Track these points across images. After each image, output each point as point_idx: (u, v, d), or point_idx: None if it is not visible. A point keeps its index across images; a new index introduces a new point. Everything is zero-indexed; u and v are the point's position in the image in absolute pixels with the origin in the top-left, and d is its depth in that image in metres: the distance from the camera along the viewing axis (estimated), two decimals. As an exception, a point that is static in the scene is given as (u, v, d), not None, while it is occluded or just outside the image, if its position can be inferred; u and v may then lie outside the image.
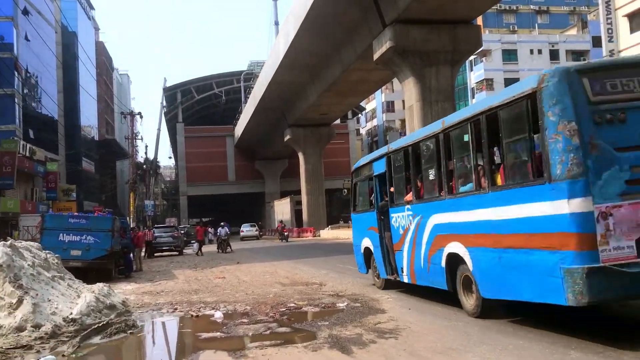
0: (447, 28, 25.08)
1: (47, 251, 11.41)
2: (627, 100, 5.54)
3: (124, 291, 13.26)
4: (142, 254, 25.37)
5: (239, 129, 63.02)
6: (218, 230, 29.63)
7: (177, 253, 29.46)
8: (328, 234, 43.58)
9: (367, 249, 11.46)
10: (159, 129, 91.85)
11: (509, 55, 57.51)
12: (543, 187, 5.65)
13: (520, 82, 6.31)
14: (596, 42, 58.80)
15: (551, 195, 5.53)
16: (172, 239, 28.75)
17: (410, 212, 9.13)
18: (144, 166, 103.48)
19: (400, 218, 9.57)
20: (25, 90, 50.46)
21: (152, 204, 58.98)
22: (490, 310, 7.16)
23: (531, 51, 57.70)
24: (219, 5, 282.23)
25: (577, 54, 59.31)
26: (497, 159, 7.00)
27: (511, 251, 6.29)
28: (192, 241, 40.51)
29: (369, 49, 27.85)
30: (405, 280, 9.56)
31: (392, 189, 9.95)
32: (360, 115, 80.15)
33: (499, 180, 6.66)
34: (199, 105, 73.17)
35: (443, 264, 7.92)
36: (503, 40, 57.60)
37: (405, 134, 72.16)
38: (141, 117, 43.58)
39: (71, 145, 62.51)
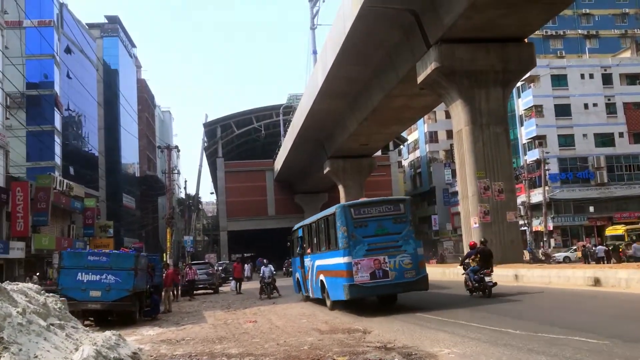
0: (497, 46, 23.29)
1: (50, 294, 9.96)
2: (366, 217, 13.74)
3: (141, 338, 11.70)
4: (176, 292, 24.08)
5: (279, 162, 61.99)
6: (261, 270, 23.06)
7: (212, 291, 27.95)
8: (371, 269, 41.45)
9: (297, 279, 19.81)
10: (200, 165, 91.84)
11: (559, 80, 54.91)
12: (338, 251, 13.74)
13: (330, 208, 14.95)
14: (652, 64, 56.01)
15: (340, 254, 13.58)
16: (207, 276, 27.27)
17: (309, 259, 17.22)
18: (187, 202, 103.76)
19: (307, 261, 17.63)
20: (67, 128, 50.82)
21: (191, 240, 57.99)
22: (334, 305, 14.98)
23: (582, 76, 54.98)
24: (257, 40, 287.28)
25: (632, 77, 56.30)
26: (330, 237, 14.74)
27: (334, 278, 14.33)
28: (230, 278, 39.13)
29: (411, 72, 26.27)
30: (311, 295, 17.61)
31: (304, 245, 18.13)
32: (402, 146, 78.24)
33: (329, 247, 14.79)
34: (239, 140, 72.75)
35: (319, 285, 15.95)
36: (552, 65, 55.13)
37: (450, 166, 70.09)
38: (178, 150, 42.93)
39: (112, 181, 62.69)
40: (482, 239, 16.85)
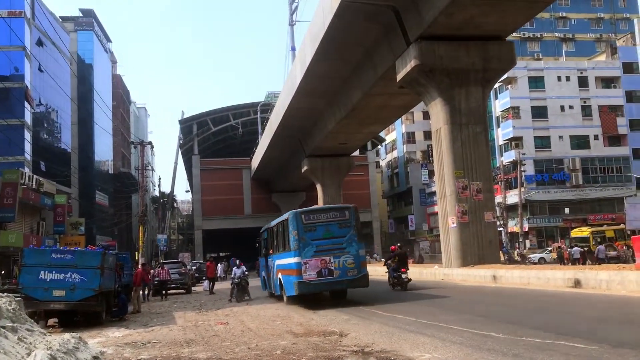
0: (477, 45, 23.01)
1: (5, 294, 9.29)
2: (315, 222, 15.71)
3: (105, 341, 11.07)
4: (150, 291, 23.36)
5: (256, 160, 61.30)
6: (232, 271, 21.65)
7: (185, 291, 27.20)
8: (348, 269, 41.06)
9: (263, 277, 22.27)
10: (175, 162, 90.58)
11: (536, 82, 55.21)
12: (290, 252, 15.73)
13: (283, 215, 17.15)
14: (627, 68, 56.66)
15: (292, 255, 15.61)
16: (180, 275, 26.47)
17: (271, 259, 19.30)
18: (162, 200, 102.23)
19: (270, 261, 19.68)
20: (38, 123, 49.49)
21: (165, 238, 56.94)
22: (289, 300, 16.79)
23: (559, 78, 55.38)
24: (235, 37, 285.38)
25: (606, 81, 56.90)
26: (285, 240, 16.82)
27: (288, 276, 16.24)
28: (204, 278, 38.38)
29: (390, 70, 25.91)
30: (274, 292, 19.55)
31: (267, 246, 20.36)
32: (380, 146, 78.08)
33: (284, 249, 16.81)
34: (215, 138, 71.82)
35: (278, 282, 17.89)
36: (529, 67, 55.40)
37: (426, 166, 70.11)
38: (152, 147, 42.01)
39: (85, 178, 61.25)
40: (398, 244, 22.50)
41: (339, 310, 14.47)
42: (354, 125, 37.47)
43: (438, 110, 23.52)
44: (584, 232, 39.23)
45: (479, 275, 20.50)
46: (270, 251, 19.52)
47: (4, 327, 7.96)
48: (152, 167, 44.94)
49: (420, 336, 9.23)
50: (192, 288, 32.19)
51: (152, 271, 24.50)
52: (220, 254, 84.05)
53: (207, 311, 17.14)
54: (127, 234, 75.13)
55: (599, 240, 36.71)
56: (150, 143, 40.79)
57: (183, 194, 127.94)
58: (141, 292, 21.45)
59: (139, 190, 36.91)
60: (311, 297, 16.58)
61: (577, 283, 14.92)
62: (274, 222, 18.76)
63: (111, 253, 16.27)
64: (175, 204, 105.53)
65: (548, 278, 16.38)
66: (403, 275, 17.88)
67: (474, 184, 22.97)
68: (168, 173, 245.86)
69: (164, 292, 23.83)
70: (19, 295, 11.96)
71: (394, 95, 30.81)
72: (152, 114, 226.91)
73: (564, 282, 15.46)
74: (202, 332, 11.62)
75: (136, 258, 37.03)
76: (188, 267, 39.48)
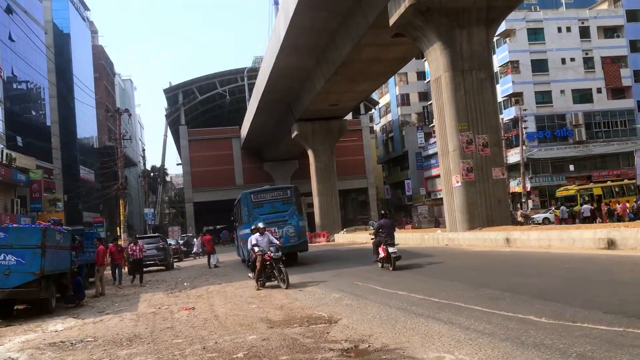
0: (480, -21, 20.35)
1: None
2: (262, 200, 19.54)
3: (32, 339, 8.72)
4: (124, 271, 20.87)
5: (245, 128, 58.59)
6: (250, 241, 18.86)
7: (165, 268, 24.85)
8: (343, 238, 38.94)
9: (237, 245, 24.36)
10: (165, 135, 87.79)
11: (535, 35, 52.28)
12: (245, 225, 18.87)
13: (239, 195, 21.41)
14: (630, 16, 53.81)
15: (246, 227, 17.98)
16: (158, 251, 24.05)
17: (238, 230, 22.73)
18: (152, 174, 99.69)
19: (237, 232, 23.15)
20: (12, 96, 46.66)
21: (152, 212, 54.52)
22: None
23: (559, 29, 52.44)
24: (220, 1, 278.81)
25: (609, 31, 54.02)
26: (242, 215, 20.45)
27: (244, 244, 17.82)
28: (193, 252, 36.13)
29: (382, 16, 23.24)
30: (242, 258, 22.42)
31: (236, 219, 23.57)
32: (373, 110, 75.34)
33: (242, 222, 20.53)
34: (203, 107, 68.90)
35: (242, 250, 21.45)
36: (528, 19, 52.35)
37: (422, 129, 67.55)
38: (129, 115, 39.26)
39: (68, 153, 58.53)
40: (382, 212, 17.19)
41: (329, 286, 12.18)
42: (344, 83, 34.79)
43: (437, 56, 20.94)
44: (570, 190, 37.62)
45: (489, 239, 18.24)
46: (236, 224, 23.78)
47: None
48: (130, 136, 42.10)
49: (434, 323, 6.91)
50: (177, 264, 30.01)
51: (130, 245, 21.27)
52: (217, 227, 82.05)
53: (180, 291, 14.83)
54: (117, 209, 72.67)
55: (586, 198, 34.90)
56: (127, 110, 37.92)
57: (176, 168, 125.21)
58: (114, 271, 19.08)
59: (118, 162, 34.33)
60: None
61: (611, 243, 12.62)
62: (237, 200, 22.35)
63: (60, 229, 13.83)
64: (166, 177, 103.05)
65: (573, 239, 14.08)
66: (390, 250, 14.23)
67: (480, 138, 20.55)
68: (159, 147, 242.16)
69: (137, 274, 19.19)
70: None
71: (386, 46, 28.18)
72: (140, 87, 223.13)
73: (595, 243, 13.16)
74: (157, 323, 9.29)
75: (118, 233, 34.71)
76: (174, 241, 37.29)
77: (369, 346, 6.18)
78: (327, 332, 7.15)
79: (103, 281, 16.11)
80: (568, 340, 5.33)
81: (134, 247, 19.61)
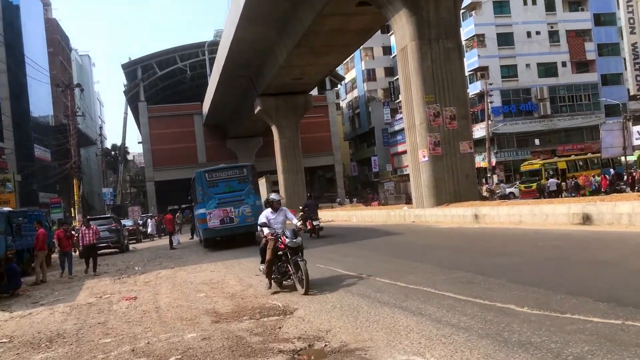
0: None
1: None
2: (217, 179, 18.93)
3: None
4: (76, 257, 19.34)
5: (206, 104, 56.83)
6: (261, 219, 15.33)
7: (118, 250, 23.55)
8: (309, 215, 37.97)
9: (192, 226, 27.77)
10: (125, 112, 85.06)
11: (501, 7, 51.65)
12: (200, 204, 19.25)
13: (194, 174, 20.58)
14: (595, -12, 53.62)
15: (201, 207, 19.06)
16: (110, 233, 22.72)
17: (196, 209, 20.98)
18: (112, 153, 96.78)
19: (195, 211, 21.79)
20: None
21: (110, 192, 52.61)
22: (204, 243, 20.45)
23: (524, 2, 51.84)
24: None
25: (575, 4, 53.77)
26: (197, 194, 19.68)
27: (200, 224, 19.59)
28: (148, 233, 34.70)
29: (346, -18, 22.07)
30: (197, 238, 24.49)
31: (192, 198, 22.37)
32: (339, 85, 74.13)
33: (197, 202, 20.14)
34: (163, 83, 66.61)
35: (200, 232, 20.63)
36: (494, -9, 51.72)
37: (388, 105, 66.76)
38: (81, 90, 37.30)
39: (20, 131, 55.84)
40: (308, 194, 24.05)
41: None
42: (307, 55, 33.52)
43: (403, 24, 19.93)
44: (534, 165, 37.44)
45: (457, 215, 17.53)
46: (193, 203, 22.87)
47: None
48: (82, 112, 40.03)
49: (401, 314, 6.01)
50: (134, 245, 28.71)
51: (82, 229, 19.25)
52: (183, 206, 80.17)
53: (128, 277, 13.72)
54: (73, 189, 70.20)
55: (551, 173, 34.76)
56: (79, 85, 35.97)
57: (138, 146, 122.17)
58: (63, 261, 17.02)
59: (70, 140, 32.54)
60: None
61: (586, 219, 11.94)
62: (192, 179, 21.45)
63: (-8, 212, 12.48)
64: (128, 156, 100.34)
65: (546, 214, 13.40)
66: (315, 223, 19.07)
67: (447, 110, 19.74)
68: (121, 125, 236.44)
69: (90, 261, 16.11)
70: None
71: (351, 15, 27.04)
72: (100, 64, 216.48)
73: (569, 219, 12.48)
74: (89, 317, 8.20)
75: (72, 214, 33.10)
76: (131, 221, 35.81)
77: (326, 345, 5.25)
78: (279, 327, 6.19)
79: (44, 267, 14.83)
80: (559, 337, 4.47)
81: (86, 231, 16.36)
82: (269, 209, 9.24)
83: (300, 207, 20.69)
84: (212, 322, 6.83)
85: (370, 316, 6.13)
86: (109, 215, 28.18)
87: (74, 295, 11.27)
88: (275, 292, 8.64)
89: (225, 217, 18.34)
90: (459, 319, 5.48)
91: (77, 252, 20.31)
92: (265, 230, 8.92)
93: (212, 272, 12.54)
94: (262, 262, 9.15)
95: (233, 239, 19.75)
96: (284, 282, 8.88)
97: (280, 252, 8.63)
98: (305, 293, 7.92)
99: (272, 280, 8.91)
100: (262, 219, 9.10)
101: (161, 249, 23.31)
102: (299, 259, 8.23)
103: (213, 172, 19.29)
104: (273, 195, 9.53)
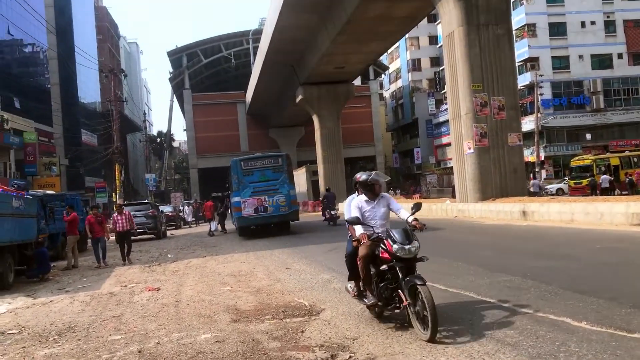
0: None
1: None
2: (252, 168, 19.04)
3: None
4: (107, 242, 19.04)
5: (249, 93, 56.68)
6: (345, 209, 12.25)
7: (154, 236, 23.42)
8: (348, 207, 37.22)
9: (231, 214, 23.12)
10: (171, 100, 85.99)
11: (554, -5, 49.60)
12: (235, 192, 19.21)
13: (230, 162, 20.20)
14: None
15: (236, 195, 19.09)
16: (147, 219, 22.57)
17: (231, 197, 20.60)
18: (158, 139, 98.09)
19: (231, 199, 20.81)
20: (8, 56, 45.06)
21: (153, 178, 53.03)
22: (240, 231, 20.25)
23: (580, -10, 49.72)
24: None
25: (635, -7, 51.10)
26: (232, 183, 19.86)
27: (235, 212, 19.54)
28: (187, 220, 34.69)
29: (391, -35, 21.18)
30: (236, 226, 21.06)
31: (229, 187, 21.92)
32: (383, 75, 72.93)
33: (233, 190, 19.79)
34: (208, 71, 66.76)
35: (236, 220, 20.06)
36: (547, -21, 49.60)
37: (433, 95, 65.25)
38: (125, 76, 37.51)
39: (69, 116, 56.84)
40: (327, 187, 26.79)
41: (320, 263, 10.63)
42: (350, 43, 32.71)
43: (450, 9, 18.96)
44: (585, 160, 35.63)
45: (503, 211, 16.59)
46: (229, 191, 22.28)
47: None
48: (125, 98, 40.34)
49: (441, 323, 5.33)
50: (172, 232, 28.69)
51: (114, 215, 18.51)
52: (226, 193, 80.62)
53: (159, 264, 13.40)
54: (124, 175, 71.20)
55: (602, 169, 32.99)
56: (123, 71, 36.19)
57: (184, 134, 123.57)
58: (96, 249, 16.13)
59: (113, 124, 32.74)
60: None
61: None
62: (231, 161, 21.20)
63: (22, 195, 12.30)
64: (173, 143, 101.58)
65: (601, 213, 12.39)
66: (332, 212, 21.51)
67: (496, 100, 18.71)
68: (166, 113, 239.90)
69: (126, 248, 15.04)
70: None
71: (395, 2, 26.10)
72: (148, 52, 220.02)
73: (627, 219, 11.48)
74: (106, 309, 7.80)
75: (113, 199, 33.37)
76: (170, 208, 35.90)
77: (350, 357, 4.62)
78: (302, 331, 5.59)
79: (75, 252, 14.64)
80: (629, 364, 3.72)
81: (118, 217, 15.28)
82: (362, 196, 5.88)
83: (320, 199, 21.30)
84: (230, 321, 6.28)
85: (403, 323, 5.46)
86: (146, 201, 28.21)
87: (100, 283, 10.96)
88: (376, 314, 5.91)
89: (259, 205, 18.56)
90: (505, 332, 4.77)
91: (112, 238, 20.17)
92: (358, 230, 5.60)
93: (243, 263, 12.07)
94: (350, 278, 6.03)
95: (267, 227, 19.80)
96: (385, 312, 5.78)
97: (384, 267, 5.36)
98: (431, 340, 4.75)
99: (372, 309, 5.81)
100: (351, 210, 5.85)
101: (198, 236, 23.07)
102: (417, 281, 4.99)
103: (248, 160, 19.50)
104: (369, 175, 5.88)
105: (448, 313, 5.63)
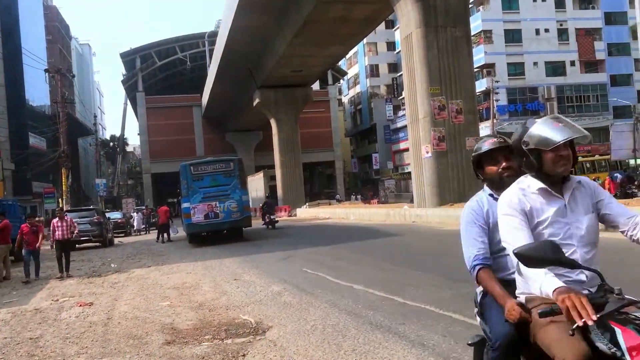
0: None
1: None
2: (203, 172, 18.52)
3: None
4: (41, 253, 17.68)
5: (205, 96, 55.52)
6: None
7: (100, 244, 22.20)
8: (305, 212, 36.74)
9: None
10: (125, 103, 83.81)
11: (509, 3, 50.25)
12: (184, 198, 18.60)
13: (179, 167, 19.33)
14: (606, -15, 52.20)
15: (185, 201, 18.46)
16: (92, 226, 21.36)
17: (181, 203, 19.80)
18: (111, 143, 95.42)
19: (181, 205, 20.22)
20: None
21: (103, 183, 51.27)
22: (189, 238, 19.54)
23: (534, -2, 50.60)
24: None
25: (585, 2, 52.35)
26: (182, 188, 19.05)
27: (184, 218, 18.63)
28: (134, 229, 33.24)
29: (349, -34, 20.72)
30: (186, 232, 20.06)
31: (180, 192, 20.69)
32: (341, 80, 72.74)
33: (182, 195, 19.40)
34: (163, 73, 65.18)
35: (185, 225, 19.27)
36: (503, -14, 50.31)
37: (391, 101, 65.30)
38: (73, 76, 36.02)
39: (15, 119, 54.45)
40: (267, 195, 29.98)
41: (272, 274, 9.94)
42: (308, 46, 32.14)
43: (408, 11, 18.60)
44: None
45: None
46: (180, 197, 21.97)
47: None
48: (71, 99, 38.78)
49: (396, 342, 4.73)
50: (120, 239, 27.45)
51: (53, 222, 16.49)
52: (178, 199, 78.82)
53: (99, 276, 12.44)
54: (73, 180, 68.70)
55: None
56: (70, 71, 34.70)
57: (138, 138, 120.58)
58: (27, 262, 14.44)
59: (60, 128, 31.28)
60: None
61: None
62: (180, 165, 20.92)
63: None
64: (127, 148, 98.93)
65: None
66: (272, 217, 23.65)
67: (454, 103, 18.42)
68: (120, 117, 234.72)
69: (66, 261, 13.11)
70: None
71: (354, 4, 25.68)
72: (101, 54, 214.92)
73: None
74: (25, 330, 6.89)
75: (60, 205, 31.77)
76: (119, 214, 34.52)
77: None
78: (243, 355, 4.90)
79: (7, 263, 13.49)
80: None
81: (58, 223, 13.61)
82: (519, 189, 2.36)
83: (260, 205, 21.52)
84: (163, 343, 5.53)
85: (357, 344, 4.84)
86: (91, 207, 26.86)
87: (29, 297, 9.98)
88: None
89: (210, 211, 17.95)
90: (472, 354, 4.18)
91: (51, 247, 18.82)
92: (536, 281, 2.04)
93: (189, 273, 11.25)
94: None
95: (219, 234, 19.25)
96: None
97: None
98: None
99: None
100: (507, 227, 2.31)
101: (146, 244, 22.04)
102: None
103: (198, 165, 18.98)
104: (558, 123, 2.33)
105: (405, 333, 5.03)
